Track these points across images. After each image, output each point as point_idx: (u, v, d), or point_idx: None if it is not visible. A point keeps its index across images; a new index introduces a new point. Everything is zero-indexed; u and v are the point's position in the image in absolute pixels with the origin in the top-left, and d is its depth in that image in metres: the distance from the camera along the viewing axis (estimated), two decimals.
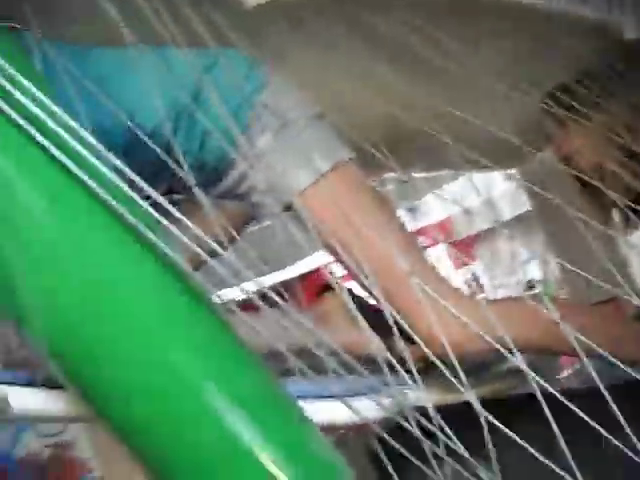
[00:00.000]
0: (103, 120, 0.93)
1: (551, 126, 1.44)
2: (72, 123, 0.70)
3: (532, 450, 0.80)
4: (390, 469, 0.82)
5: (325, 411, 0.88)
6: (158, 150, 0.85)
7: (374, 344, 0.97)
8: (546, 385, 0.84)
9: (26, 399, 0.77)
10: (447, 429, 0.81)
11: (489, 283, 6.03)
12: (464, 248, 6.44)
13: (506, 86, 1.29)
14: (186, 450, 0.68)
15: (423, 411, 0.83)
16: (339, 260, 1.11)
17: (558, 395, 0.82)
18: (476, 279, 6.28)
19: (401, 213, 2.13)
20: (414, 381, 0.88)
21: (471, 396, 0.89)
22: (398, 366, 0.92)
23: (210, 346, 0.72)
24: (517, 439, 0.78)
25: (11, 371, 0.82)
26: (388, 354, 1.03)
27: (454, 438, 0.80)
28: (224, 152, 1.11)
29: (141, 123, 1.01)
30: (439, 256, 5.41)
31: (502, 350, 0.88)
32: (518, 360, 0.93)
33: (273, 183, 1.17)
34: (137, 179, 0.73)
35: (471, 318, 0.98)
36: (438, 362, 0.90)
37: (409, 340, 1.06)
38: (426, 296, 0.96)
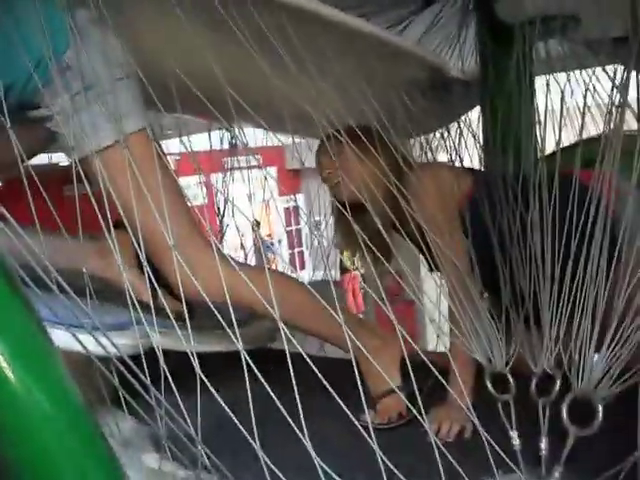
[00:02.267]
0: None
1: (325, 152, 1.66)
2: None
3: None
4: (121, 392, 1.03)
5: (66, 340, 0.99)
6: None
7: (144, 289, 1.17)
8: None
9: None
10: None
11: (305, 216, 6.41)
12: (292, 178, 6.74)
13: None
14: None
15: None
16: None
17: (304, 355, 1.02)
18: (296, 209, 6.64)
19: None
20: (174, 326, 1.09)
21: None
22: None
23: None
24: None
25: None
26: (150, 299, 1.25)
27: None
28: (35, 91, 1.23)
29: None
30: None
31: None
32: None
33: (73, 134, 1.26)
34: None
35: (226, 275, 1.15)
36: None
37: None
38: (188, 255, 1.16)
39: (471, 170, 1.86)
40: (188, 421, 1.05)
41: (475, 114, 2.22)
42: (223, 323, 1.02)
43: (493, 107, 2.00)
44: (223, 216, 2.92)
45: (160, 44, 1.49)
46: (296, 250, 8.78)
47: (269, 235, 8.70)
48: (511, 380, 1.13)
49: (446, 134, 2.09)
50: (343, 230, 1.78)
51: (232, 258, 1.35)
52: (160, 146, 1.52)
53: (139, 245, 1.12)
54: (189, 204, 1.45)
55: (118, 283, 1.20)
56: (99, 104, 1.26)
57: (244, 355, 1.01)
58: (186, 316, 1.09)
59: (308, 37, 1.42)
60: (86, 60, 1.26)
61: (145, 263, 1.10)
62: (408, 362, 1.13)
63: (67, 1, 1.25)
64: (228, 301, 1.06)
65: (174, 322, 1.06)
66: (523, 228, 1.30)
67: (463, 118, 2.18)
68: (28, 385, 0.86)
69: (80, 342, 0.90)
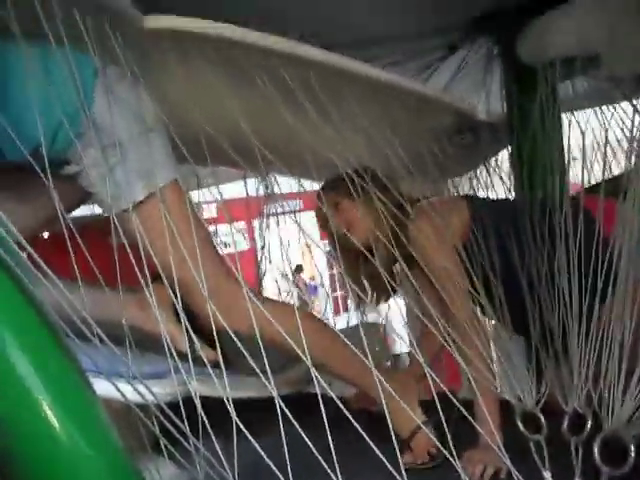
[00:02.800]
0: None
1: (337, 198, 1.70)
2: None
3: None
4: (162, 441, 1.07)
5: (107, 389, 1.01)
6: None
7: (181, 339, 1.22)
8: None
9: None
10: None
11: None
12: None
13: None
14: None
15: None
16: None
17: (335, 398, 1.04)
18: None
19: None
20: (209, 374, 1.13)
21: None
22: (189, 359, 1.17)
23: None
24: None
25: None
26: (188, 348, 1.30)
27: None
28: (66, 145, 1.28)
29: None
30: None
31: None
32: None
33: (104, 191, 1.29)
34: None
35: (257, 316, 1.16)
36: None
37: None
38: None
39: (465, 197, 1.84)
40: (226, 467, 1.08)
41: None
42: (257, 369, 1.05)
43: (520, 148, 2.03)
44: (261, 261, 2.97)
45: (187, 97, 1.54)
46: (339, 293, 8.78)
47: (312, 278, 8.75)
48: (542, 419, 1.13)
49: (474, 178, 2.12)
50: (352, 277, 1.79)
51: (267, 298, 1.39)
52: (190, 198, 1.56)
53: (175, 296, 1.16)
54: (222, 251, 1.50)
55: (157, 334, 1.24)
56: (129, 159, 1.30)
57: (278, 401, 1.04)
58: (221, 363, 1.13)
59: (332, 88, 1.48)
60: (113, 115, 1.28)
61: (182, 312, 1.15)
62: (437, 399, 1.15)
63: (98, 57, 1.25)
64: (259, 342, 1.10)
65: (210, 369, 1.10)
66: (548, 266, 1.32)
67: (492, 161, 2.21)
68: (71, 432, 0.90)
69: (119, 390, 0.94)
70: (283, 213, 3.03)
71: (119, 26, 1.22)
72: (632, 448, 0.99)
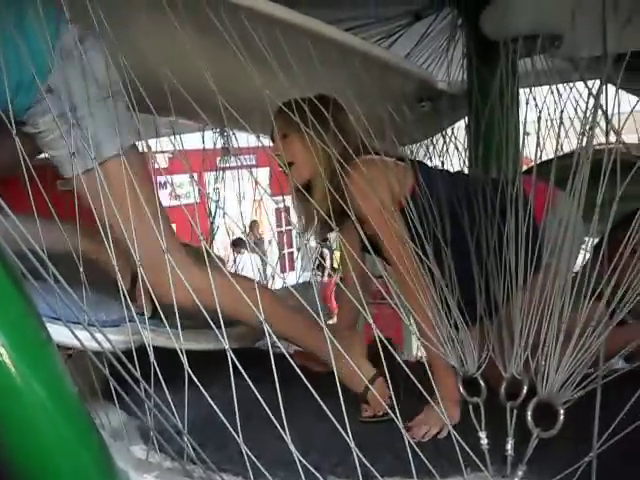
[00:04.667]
0: None
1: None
2: None
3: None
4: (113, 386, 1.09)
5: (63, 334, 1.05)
6: None
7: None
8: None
9: None
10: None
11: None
12: (285, 178, 6.86)
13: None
14: None
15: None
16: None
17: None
18: (288, 210, 6.69)
19: None
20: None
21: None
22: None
23: None
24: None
25: None
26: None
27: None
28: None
29: None
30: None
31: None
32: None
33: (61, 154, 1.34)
34: None
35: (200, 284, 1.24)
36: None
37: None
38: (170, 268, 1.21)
39: (412, 163, 1.74)
40: (176, 415, 1.11)
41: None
42: (212, 323, 1.08)
43: (477, 120, 2.07)
44: (214, 217, 2.96)
45: (154, 49, 1.53)
46: (286, 251, 8.81)
47: (262, 233, 8.73)
48: (482, 384, 1.19)
49: (431, 145, 2.15)
50: (301, 209, 1.79)
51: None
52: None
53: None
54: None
55: (110, 269, 1.24)
56: (85, 126, 1.32)
57: (230, 354, 1.07)
58: (177, 315, 1.15)
59: (299, 49, 1.48)
60: (71, 79, 1.31)
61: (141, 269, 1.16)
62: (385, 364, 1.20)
63: (53, 21, 1.28)
64: (216, 309, 1.12)
65: (165, 321, 1.12)
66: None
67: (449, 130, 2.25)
68: (27, 375, 0.92)
69: (76, 337, 0.95)
70: (238, 167, 3.02)
71: None
72: (561, 412, 1.06)
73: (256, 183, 1.58)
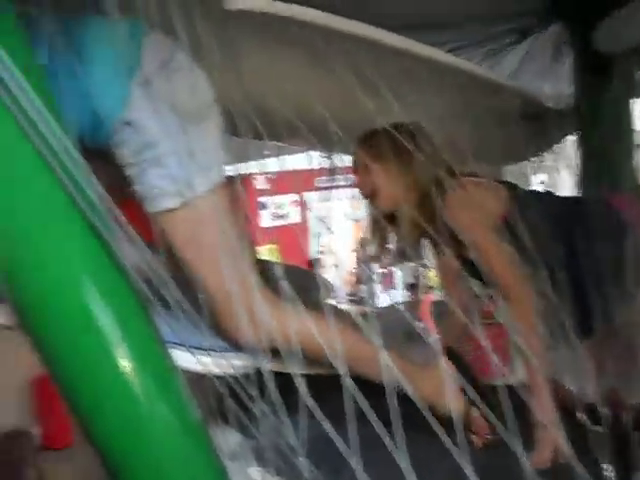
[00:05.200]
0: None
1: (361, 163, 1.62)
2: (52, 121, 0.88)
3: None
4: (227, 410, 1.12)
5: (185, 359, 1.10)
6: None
7: None
8: None
9: None
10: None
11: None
12: None
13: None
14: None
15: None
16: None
17: None
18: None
19: None
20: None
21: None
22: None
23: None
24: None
25: None
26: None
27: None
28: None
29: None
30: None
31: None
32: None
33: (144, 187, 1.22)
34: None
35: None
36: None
37: None
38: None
39: (507, 185, 1.69)
40: (292, 436, 1.12)
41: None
42: (327, 351, 1.09)
43: (589, 135, 2.01)
44: (317, 236, 3.00)
45: (260, 72, 1.56)
46: (386, 270, 8.78)
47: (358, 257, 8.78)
48: (605, 412, 1.15)
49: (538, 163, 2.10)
50: (378, 240, 1.75)
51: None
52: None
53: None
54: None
55: None
56: (172, 159, 1.20)
57: (346, 379, 1.08)
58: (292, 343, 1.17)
59: (406, 72, 1.48)
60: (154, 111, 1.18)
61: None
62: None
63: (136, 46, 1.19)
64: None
65: (282, 348, 1.14)
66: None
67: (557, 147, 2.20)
68: (151, 397, 0.97)
69: (200, 362, 0.99)
70: (337, 187, 3.05)
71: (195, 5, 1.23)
72: None
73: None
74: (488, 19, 2.17)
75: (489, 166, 1.76)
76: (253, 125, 1.29)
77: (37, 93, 0.89)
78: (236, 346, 1.15)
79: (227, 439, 1.38)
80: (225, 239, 1.19)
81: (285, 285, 1.13)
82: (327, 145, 1.43)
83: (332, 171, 2.92)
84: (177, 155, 1.19)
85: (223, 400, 1.11)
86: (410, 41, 1.57)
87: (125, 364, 0.94)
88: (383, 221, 1.65)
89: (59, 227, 0.95)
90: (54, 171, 0.90)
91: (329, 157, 2.63)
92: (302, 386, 1.10)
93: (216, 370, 1.09)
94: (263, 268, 1.33)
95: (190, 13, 1.19)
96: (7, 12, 0.96)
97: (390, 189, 1.59)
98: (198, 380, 1.37)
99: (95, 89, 1.13)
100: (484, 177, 1.63)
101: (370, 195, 1.63)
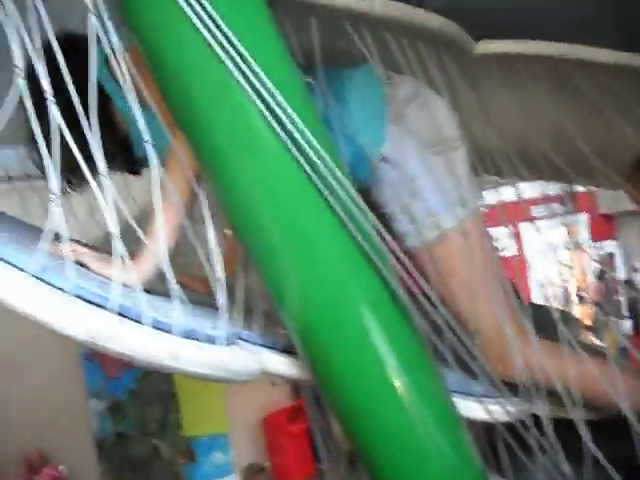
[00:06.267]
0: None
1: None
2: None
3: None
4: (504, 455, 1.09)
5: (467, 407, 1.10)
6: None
7: None
8: None
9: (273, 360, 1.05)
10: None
11: (623, 264, 6.02)
12: (605, 223, 6.35)
13: None
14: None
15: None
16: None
17: None
18: (611, 256, 6.24)
19: None
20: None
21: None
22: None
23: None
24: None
25: (265, 336, 1.06)
26: None
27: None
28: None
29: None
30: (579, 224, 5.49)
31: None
32: None
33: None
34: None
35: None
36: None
37: None
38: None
39: None
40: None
41: None
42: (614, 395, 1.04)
43: None
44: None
45: (502, 108, 1.53)
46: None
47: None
48: None
49: None
50: None
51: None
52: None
53: None
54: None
55: None
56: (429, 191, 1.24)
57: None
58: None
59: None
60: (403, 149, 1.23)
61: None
62: None
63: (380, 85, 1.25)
64: None
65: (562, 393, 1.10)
66: None
67: None
68: (441, 446, 0.97)
69: (487, 411, 0.98)
70: (552, 216, 2.92)
71: (446, 52, 1.26)
72: None
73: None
74: None
75: None
76: (506, 162, 1.28)
77: (324, 144, 0.93)
78: (510, 390, 1.11)
79: None
80: (488, 272, 1.20)
81: (562, 329, 1.11)
82: (589, 178, 1.36)
83: (549, 200, 2.80)
84: (434, 188, 1.23)
85: (497, 447, 1.09)
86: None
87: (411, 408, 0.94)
88: None
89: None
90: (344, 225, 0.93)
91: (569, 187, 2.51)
92: (585, 432, 1.06)
93: (488, 417, 1.07)
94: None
95: (441, 57, 1.23)
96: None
97: None
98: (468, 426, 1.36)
99: (356, 130, 1.20)
100: None
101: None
